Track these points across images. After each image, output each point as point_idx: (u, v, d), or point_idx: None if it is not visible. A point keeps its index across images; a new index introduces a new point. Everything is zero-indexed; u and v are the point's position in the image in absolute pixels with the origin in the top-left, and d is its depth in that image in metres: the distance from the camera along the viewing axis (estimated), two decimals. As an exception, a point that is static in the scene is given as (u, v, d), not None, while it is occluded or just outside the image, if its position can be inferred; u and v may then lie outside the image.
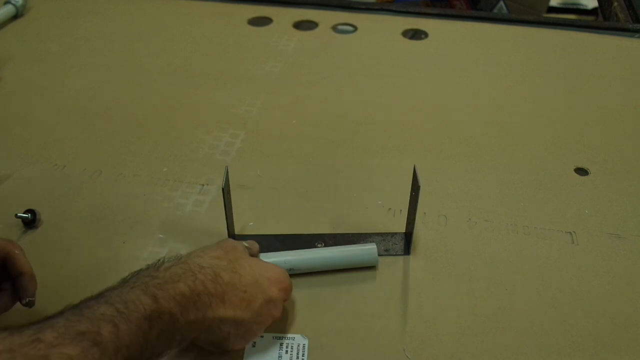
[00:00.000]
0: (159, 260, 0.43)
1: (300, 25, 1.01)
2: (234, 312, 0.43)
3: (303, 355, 0.48)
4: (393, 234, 0.59)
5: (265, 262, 0.51)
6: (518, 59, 0.91)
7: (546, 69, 0.89)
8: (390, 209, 0.63)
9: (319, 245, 0.58)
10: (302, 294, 0.53)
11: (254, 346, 0.48)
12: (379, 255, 0.56)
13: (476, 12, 1.45)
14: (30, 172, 0.68)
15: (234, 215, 0.57)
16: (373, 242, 0.57)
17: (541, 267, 0.56)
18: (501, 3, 1.56)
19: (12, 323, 0.34)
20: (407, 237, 0.58)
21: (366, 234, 0.59)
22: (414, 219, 0.55)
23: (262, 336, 0.49)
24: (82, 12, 1.05)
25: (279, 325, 0.50)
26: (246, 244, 0.51)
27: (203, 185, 0.66)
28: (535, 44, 0.96)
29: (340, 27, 1.01)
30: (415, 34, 0.99)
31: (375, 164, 0.69)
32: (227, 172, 0.52)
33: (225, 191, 0.52)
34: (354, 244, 0.58)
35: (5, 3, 1.01)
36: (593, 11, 1.68)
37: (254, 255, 0.52)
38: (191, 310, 0.40)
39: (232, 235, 0.57)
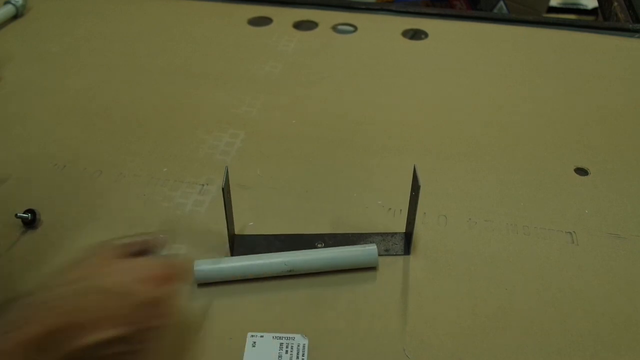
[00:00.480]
0: None
1: (300, 25, 1.01)
2: (104, 333, 0.38)
3: (303, 355, 0.48)
4: (393, 234, 0.59)
5: (139, 259, 0.44)
6: (518, 59, 0.91)
7: (546, 69, 0.89)
8: (390, 208, 0.63)
9: (319, 246, 0.58)
10: (302, 294, 0.53)
11: (254, 346, 0.48)
12: (379, 255, 0.56)
13: (476, 12, 1.45)
14: (30, 172, 0.68)
15: (234, 214, 0.57)
16: (373, 242, 0.57)
17: (541, 267, 0.56)
18: (501, 3, 1.56)
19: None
20: (407, 237, 0.58)
21: (366, 234, 0.59)
22: (414, 219, 0.55)
23: (262, 336, 0.49)
24: (82, 12, 1.05)
25: (279, 325, 0.50)
26: (133, 241, 0.46)
27: (203, 185, 0.66)
28: (535, 44, 0.96)
29: (340, 27, 1.01)
30: (415, 34, 0.99)
31: (375, 164, 0.69)
32: (227, 171, 0.52)
33: (225, 191, 0.52)
34: (355, 244, 0.58)
35: (5, 3, 1.01)
36: (593, 11, 1.68)
37: (154, 248, 0.47)
38: (49, 352, 0.36)
39: (231, 234, 0.57)
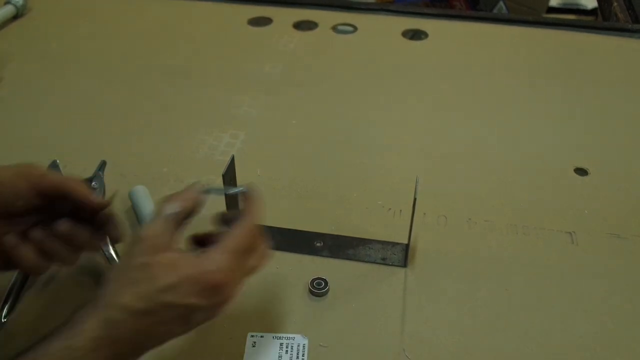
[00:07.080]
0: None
1: (300, 25, 1.01)
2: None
3: (303, 355, 0.48)
4: (394, 244, 0.58)
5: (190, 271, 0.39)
6: (518, 59, 0.91)
7: (546, 69, 0.89)
8: (390, 209, 0.63)
9: (318, 245, 0.58)
10: (302, 293, 0.53)
11: (253, 346, 0.48)
12: (376, 263, 0.56)
13: (476, 12, 1.45)
14: (30, 172, 0.67)
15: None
16: (373, 248, 0.57)
17: (541, 267, 0.56)
18: (501, 3, 1.56)
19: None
20: (407, 249, 0.57)
21: (367, 239, 0.59)
22: (411, 230, 0.54)
23: (262, 336, 0.49)
24: (82, 12, 1.05)
25: (279, 325, 0.50)
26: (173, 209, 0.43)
27: (203, 185, 0.66)
28: (535, 44, 0.96)
29: (340, 27, 1.01)
30: (415, 34, 0.99)
31: (375, 164, 0.69)
32: (233, 159, 0.52)
33: (227, 178, 0.51)
34: (355, 247, 0.58)
35: (6, 3, 1.01)
36: (593, 11, 1.68)
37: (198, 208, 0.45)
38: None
39: None
